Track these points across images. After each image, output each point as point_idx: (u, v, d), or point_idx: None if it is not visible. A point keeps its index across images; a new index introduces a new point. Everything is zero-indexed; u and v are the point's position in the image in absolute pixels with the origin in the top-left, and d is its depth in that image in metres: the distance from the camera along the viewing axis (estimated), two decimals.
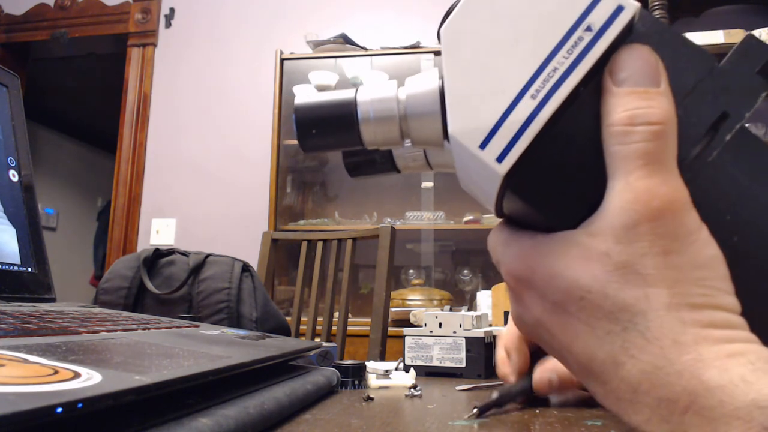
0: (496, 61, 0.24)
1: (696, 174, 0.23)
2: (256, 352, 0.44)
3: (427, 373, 0.72)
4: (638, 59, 0.23)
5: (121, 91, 2.81)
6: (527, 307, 0.26)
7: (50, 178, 4.50)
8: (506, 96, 0.24)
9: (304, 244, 1.53)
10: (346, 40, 2.48)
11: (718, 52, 1.99)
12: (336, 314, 1.47)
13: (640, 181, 0.22)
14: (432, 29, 2.55)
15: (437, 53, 2.40)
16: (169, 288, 0.88)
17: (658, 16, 2.09)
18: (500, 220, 0.29)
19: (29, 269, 0.60)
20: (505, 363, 0.48)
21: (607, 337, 0.22)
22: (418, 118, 0.28)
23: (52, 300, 0.61)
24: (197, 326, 0.57)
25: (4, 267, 0.57)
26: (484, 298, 1.94)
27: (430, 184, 2.40)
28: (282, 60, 2.47)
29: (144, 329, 0.46)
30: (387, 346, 1.38)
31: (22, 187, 0.63)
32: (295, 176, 2.63)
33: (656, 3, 2.11)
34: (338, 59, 2.48)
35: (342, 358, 0.65)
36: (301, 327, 1.52)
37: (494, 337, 0.76)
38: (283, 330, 0.92)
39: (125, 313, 0.58)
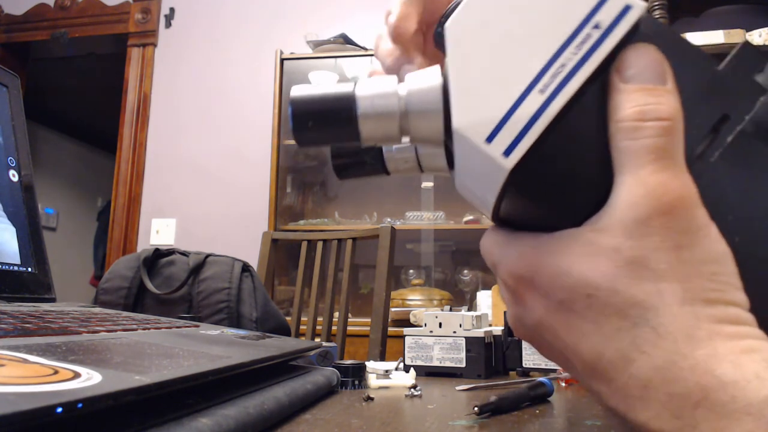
0: (504, 55, 0.24)
1: (699, 174, 0.23)
2: (256, 352, 0.44)
3: (427, 373, 0.72)
4: (645, 57, 0.23)
5: (121, 91, 2.81)
6: (529, 309, 0.25)
7: (50, 178, 4.50)
8: (514, 90, 0.24)
9: (304, 244, 1.53)
10: (346, 40, 2.48)
11: (718, 52, 1.99)
12: (336, 314, 1.47)
13: (651, 176, 0.22)
14: None
15: None
16: (169, 288, 0.88)
17: (657, 16, 2.09)
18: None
19: (29, 269, 0.60)
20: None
21: (616, 334, 0.22)
22: (419, 114, 0.27)
23: (52, 300, 0.61)
24: (197, 326, 0.57)
25: (4, 267, 0.57)
26: (484, 298, 1.94)
27: (430, 184, 2.40)
28: (282, 60, 2.47)
29: (144, 329, 0.46)
30: (387, 346, 1.38)
31: (22, 187, 0.63)
32: (295, 176, 2.63)
33: (656, 3, 2.11)
34: (338, 59, 2.48)
35: (342, 358, 0.65)
36: (301, 327, 1.52)
37: (494, 337, 0.76)
38: (283, 330, 0.92)
39: (125, 313, 0.58)
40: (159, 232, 2.66)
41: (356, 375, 0.56)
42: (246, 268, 0.92)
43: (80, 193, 4.86)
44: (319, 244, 1.51)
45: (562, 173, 0.24)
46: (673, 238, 0.22)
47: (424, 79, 0.28)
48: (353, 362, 0.57)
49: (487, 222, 2.37)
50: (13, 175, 0.62)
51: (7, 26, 3.01)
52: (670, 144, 0.23)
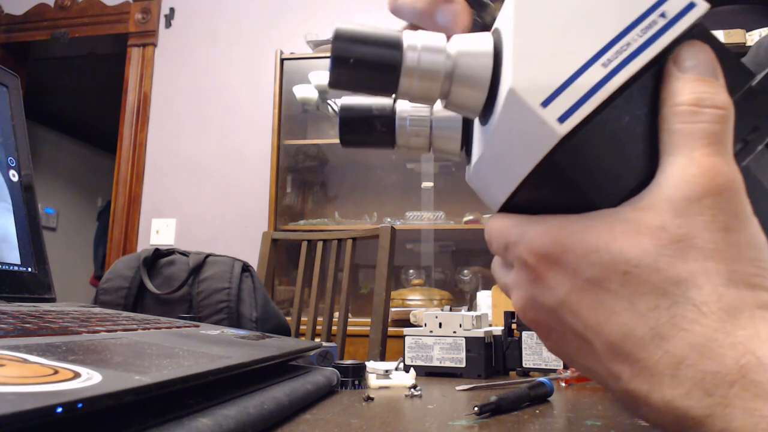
0: (572, 24, 0.25)
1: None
2: (256, 352, 0.44)
3: (427, 373, 0.72)
4: (702, 53, 0.25)
5: (121, 91, 2.81)
6: (550, 288, 0.25)
7: (50, 178, 4.50)
8: (578, 59, 0.24)
9: (304, 244, 1.53)
10: None
11: None
12: (336, 314, 1.47)
13: (705, 158, 0.23)
14: None
15: None
16: (169, 288, 0.88)
17: None
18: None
19: (29, 269, 0.60)
20: None
21: (652, 312, 0.22)
22: (466, 78, 0.27)
23: (52, 300, 0.61)
24: (197, 326, 0.57)
25: (4, 267, 0.57)
26: (484, 298, 1.94)
27: (430, 184, 2.40)
28: (282, 60, 2.47)
29: (144, 329, 0.46)
30: (387, 346, 1.38)
31: (22, 187, 0.63)
32: (295, 176, 2.63)
33: None
34: None
35: (342, 358, 0.65)
36: (301, 327, 1.52)
37: (494, 337, 0.76)
38: (283, 330, 0.92)
39: (125, 313, 0.58)
40: (159, 232, 2.66)
41: (356, 375, 0.56)
42: (246, 268, 0.92)
43: (80, 193, 4.86)
44: (319, 244, 1.51)
45: (609, 151, 0.24)
46: (722, 219, 0.22)
47: (475, 42, 0.27)
48: (353, 362, 0.57)
49: (487, 222, 2.37)
50: (13, 175, 0.62)
51: (7, 26, 3.01)
52: (723, 132, 0.23)
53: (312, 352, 0.58)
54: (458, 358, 0.71)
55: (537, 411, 0.47)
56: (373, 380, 0.58)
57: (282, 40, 2.65)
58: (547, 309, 0.25)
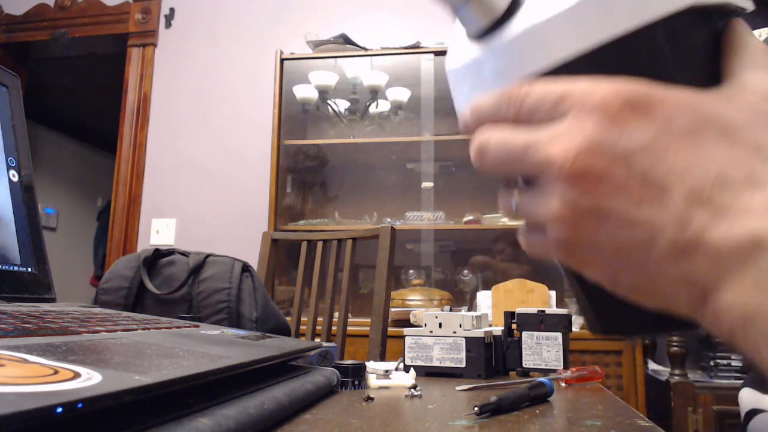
0: None
1: None
2: (256, 352, 0.44)
3: (427, 373, 0.72)
4: None
5: (121, 91, 2.81)
6: (632, 130, 0.24)
7: (50, 178, 4.50)
8: None
9: (304, 244, 1.53)
10: (346, 40, 2.48)
11: None
12: (336, 314, 1.47)
13: None
14: (432, 29, 2.55)
15: (437, 53, 2.40)
16: (169, 288, 0.88)
17: None
18: None
19: (29, 269, 0.60)
20: None
21: (748, 162, 0.23)
22: None
23: (52, 300, 0.61)
24: (197, 326, 0.57)
25: (4, 267, 0.57)
26: (484, 298, 1.94)
27: (430, 184, 2.40)
28: (282, 60, 2.47)
29: (144, 329, 0.46)
30: (387, 346, 1.38)
31: (22, 187, 0.63)
32: (295, 176, 2.63)
33: None
34: (338, 59, 2.48)
35: (342, 358, 0.65)
36: (301, 327, 1.52)
37: (494, 337, 0.76)
38: (283, 330, 0.92)
39: (125, 313, 0.58)
40: (159, 232, 2.66)
41: (356, 375, 0.56)
42: (246, 268, 0.92)
43: (80, 193, 4.86)
44: (319, 244, 1.51)
45: (700, 44, 0.28)
46: None
47: None
48: (353, 362, 0.57)
49: (486, 222, 2.38)
50: (13, 175, 0.62)
51: (7, 26, 3.01)
52: None
53: (312, 352, 0.58)
54: (458, 359, 0.71)
55: (537, 411, 0.47)
56: (373, 380, 0.58)
57: (282, 40, 2.65)
58: (617, 153, 0.24)
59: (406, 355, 0.73)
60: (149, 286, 0.88)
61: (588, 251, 0.26)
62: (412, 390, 0.54)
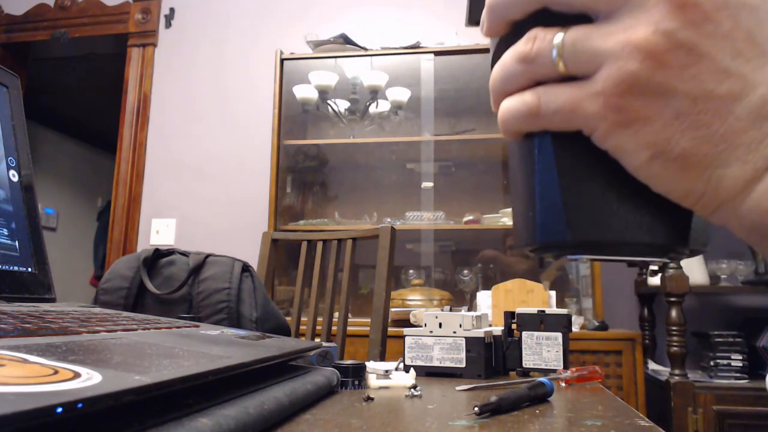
0: None
1: None
2: (256, 352, 0.44)
3: (427, 373, 0.72)
4: None
5: (121, 91, 2.81)
6: None
7: (50, 178, 4.50)
8: None
9: (304, 245, 1.53)
10: (346, 40, 2.48)
11: None
12: (336, 314, 1.47)
13: None
14: (432, 29, 2.55)
15: (437, 53, 2.41)
16: (169, 288, 0.88)
17: None
18: None
19: (29, 269, 0.60)
20: None
21: None
22: None
23: (52, 300, 0.61)
24: (197, 326, 0.57)
25: (4, 267, 0.57)
26: (484, 298, 1.94)
27: (430, 184, 2.40)
28: (282, 60, 2.47)
29: (144, 329, 0.46)
30: (387, 346, 1.38)
31: (22, 187, 0.63)
32: (295, 176, 2.63)
33: None
34: (338, 59, 2.48)
35: (342, 358, 0.65)
36: (301, 327, 1.52)
37: (494, 337, 0.76)
38: (283, 330, 0.92)
39: (125, 313, 0.58)
40: (159, 232, 2.66)
41: (356, 375, 0.56)
42: (246, 268, 0.92)
43: (80, 193, 4.86)
44: (319, 244, 1.51)
45: None
46: None
47: None
48: (353, 362, 0.57)
49: (486, 222, 2.38)
50: (13, 175, 0.62)
51: (7, 26, 3.02)
52: None
53: (312, 352, 0.58)
54: (458, 359, 0.71)
55: (537, 411, 0.47)
56: (373, 380, 0.58)
57: (282, 40, 2.65)
58: (729, 3, 0.22)
59: (406, 355, 0.73)
60: (149, 286, 0.88)
61: (655, 100, 0.23)
62: (412, 390, 0.54)
